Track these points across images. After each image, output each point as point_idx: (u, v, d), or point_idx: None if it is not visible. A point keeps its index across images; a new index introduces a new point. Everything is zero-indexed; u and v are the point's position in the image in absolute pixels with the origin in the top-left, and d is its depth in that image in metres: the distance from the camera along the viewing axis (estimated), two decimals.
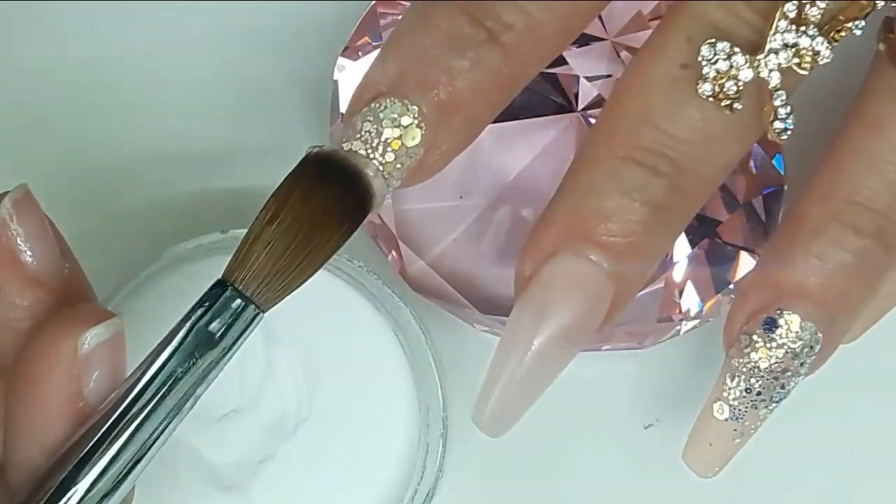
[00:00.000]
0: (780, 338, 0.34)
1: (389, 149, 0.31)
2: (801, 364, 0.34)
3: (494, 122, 0.35)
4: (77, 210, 0.40)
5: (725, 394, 0.35)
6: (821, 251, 0.34)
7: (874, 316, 0.37)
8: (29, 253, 0.31)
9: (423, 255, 0.39)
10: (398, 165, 0.32)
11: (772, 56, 0.31)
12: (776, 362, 0.34)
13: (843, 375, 0.37)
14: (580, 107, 0.39)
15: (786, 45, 0.31)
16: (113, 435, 0.30)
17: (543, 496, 0.40)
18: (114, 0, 0.41)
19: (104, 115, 0.41)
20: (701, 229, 0.39)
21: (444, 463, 0.39)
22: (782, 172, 0.39)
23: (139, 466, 0.30)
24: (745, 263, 0.39)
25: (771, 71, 0.31)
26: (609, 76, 0.39)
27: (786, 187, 0.39)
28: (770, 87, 0.31)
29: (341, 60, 0.39)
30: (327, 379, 0.38)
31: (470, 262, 0.39)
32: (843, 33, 0.31)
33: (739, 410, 0.35)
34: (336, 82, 0.39)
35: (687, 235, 0.39)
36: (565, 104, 0.39)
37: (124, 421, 0.30)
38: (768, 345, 0.34)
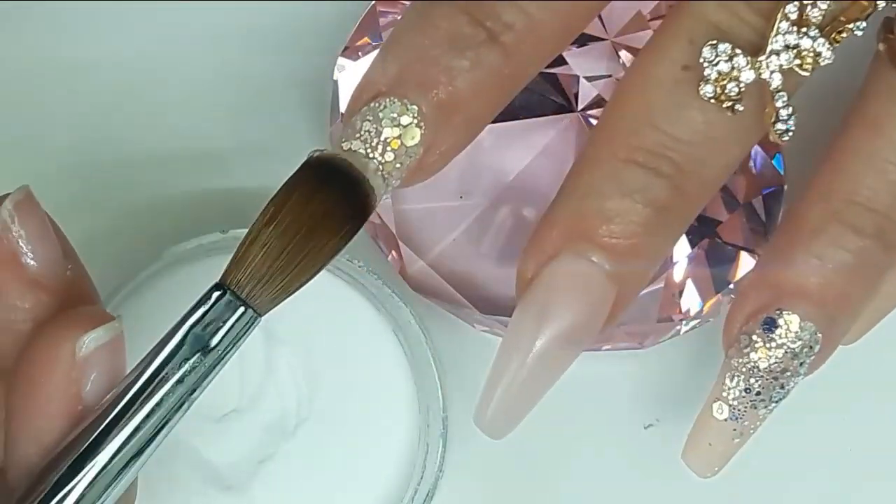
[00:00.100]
0: (780, 338, 0.34)
1: (389, 148, 0.31)
2: (801, 364, 0.34)
3: (494, 121, 0.35)
4: (77, 210, 0.40)
5: (725, 394, 0.35)
6: (821, 251, 0.34)
7: (875, 317, 0.37)
8: (30, 255, 0.31)
9: (423, 255, 0.39)
10: (398, 165, 0.32)
11: (773, 57, 0.31)
12: (776, 362, 0.34)
13: (843, 375, 0.37)
14: (580, 107, 0.39)
15: (787, 47, 0.31)
16: (109, 436, 0.30)
17: (543, 496, 0.40)
18: (114, 0, 0.41)
19: (104, 115, 0.41)
20: (701, 229, 0.39)
21: (444, 463, 0.39)
22: (782, 172, 0.39)
23: (134, 468, 0.30)
24: (745, 263, 0.39)
25: (772, 72, 0.31)
26: (609, 76, 0.39)
27: (786, 187, 0.39)
28: (771, 88, 0.31)
29: (341, 60, 0.39)
30: (327, 379, 0.38)
31: (470, 262, 0.39)
32: (844, 34, 0.31)
33: (739, 410, 0.35)
34: (336, 82, 0.39)
35: (687, 235, 0.39)
36: (565, 104, 0.39)
37: (120, 423, 0.30)
38: (768, 345, 0.34)
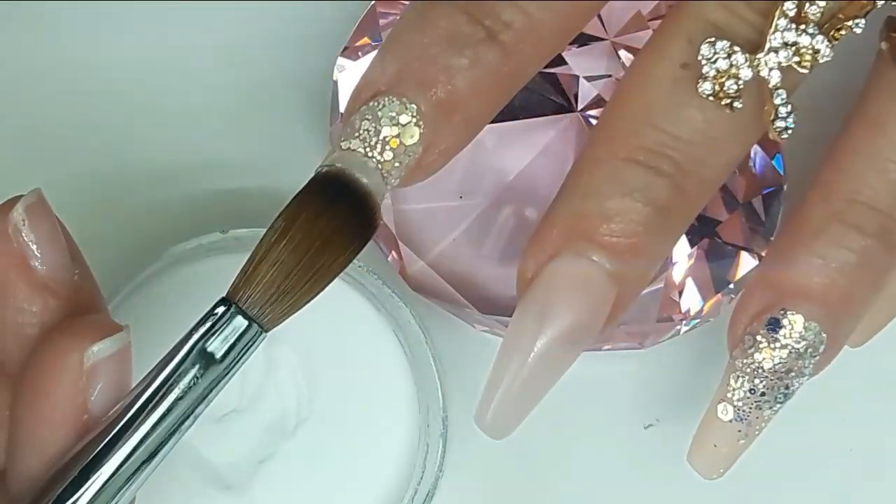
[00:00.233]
0: (784, 338, 0.34)
1: (388, 147, 0.31)
2: (805, 365, 0.34)
3: (494, 121, 0.35)
4: (77, 211, 0.40)
5: (729, 395, 0.35)
6: (823, 251, 0.34)
7: (881, 319, 0.37)
8: (40, 258, 0.31)
9: (423, 255, 0.39)
10: (397, 164, 0.32)
11: (772, 54, 0.31)
12: (780, 363, 0.34)
13: (844, 376, 0.37)
14: (580, 107, 0.39)
15: (786, 44, 0.31)
16: (113, 450, 0.29)
17: (543, 496, 0.40)
18: (115, 0, 0.41)
19: (104, 117, 0.41)
20: (701, 229, 0.39)
21: (444, 463, 0.39)
22: (782, 172, 0.39)
23: (137, 481, 0.30)
24: (745, 263, 0.39)
25: (771, 69, 0.31)
26: (609, 76, 0.39)
27: (785, 187, 0.39)
28: (770, 85, 0.31)
29: (341, 60, 0.39)
30: (327, 379, 0.38)
31: (470, 262, 0.39)
32: (843, 32, 0.31)
33: (744, 411, 0.35)
34: (336, 82, 0.39)
35: (687, 235, 0.39)
36: (565, 104, 0.39)
37: (124, 437, 0.30)
38: (772, 345, 0.34)
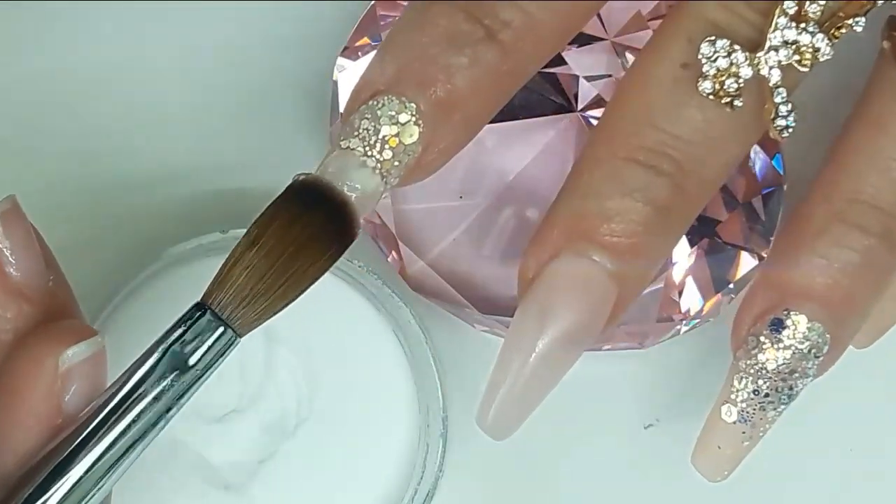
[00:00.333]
0: (788, 338, 0.34)
1: (387, 146, 0.31)
2: (810, 365, 0.34)
3: (494, 121, 0.35)
4: (77, 211, 0.40)
5: (733, 396, 0.35)
6: (825, 251, 0.34)
7: (886, 320, 0.37)
8: (14, 265, 0.31)
9: (423, 255, 0.39)
10: (396, 163, 0.32)
11: (772, 53, 0.31)
12: (784, 363, 0.34)
13: (844, 376, 0.37)
14: (580, 107, 0.39)
15: (786, 42, 0.31)
16: (84, 449, 0.30)
17: (543, 496, 0.40)
18: (116, 0, 0.41)
19: (104, 117, 0.41)
20: (701, 229, 0.39)
21: (444, 463, 0.39)
22: (782, 172, 0.39)
23: (110, 481, 0.30)
24: (745, 263, 0.39)
25: (771, 68, 0.31)
26: (609, 76, 0.39)
27: (785, 187, 0.39)
28: (770, 84, 0.31)
29: (341, 60, 0.39)
30: (327, 379, 0.38)
31: (470, 262, 0.39)
32: (843, 30, 0.31)
33: (748, 413, 0.35)
34: (336, 82, 0.39)
35: (687, 235, 0.39)
36: (565, 104, 0.39)
37: (96, 437, 0.30)
38: (776, 346, 0.34)
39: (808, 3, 0.31)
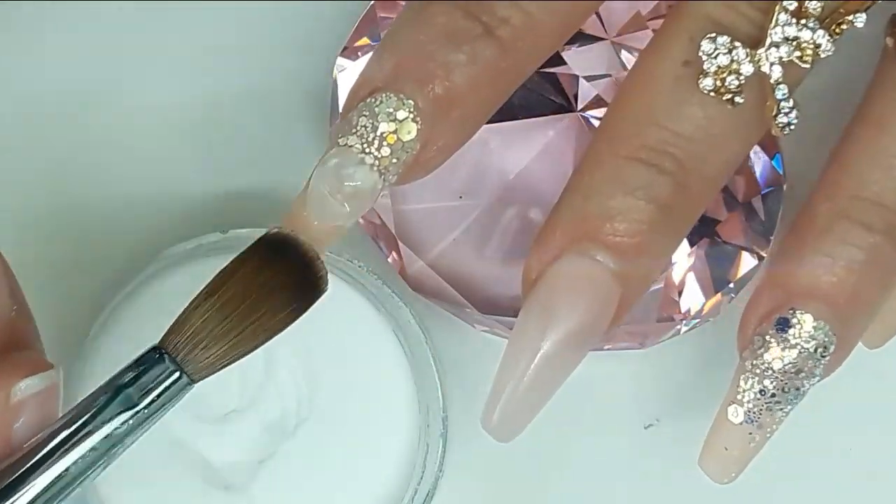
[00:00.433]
0: (794, 338, 0.34)
1: (385, 143, 0.31)
2: (816, 365, 0.34)
3: (494, 121, 0.35)
4: (77, 211, 0.40)
5: (740, 396, 0.34)
6: (830, 249, 0.34)
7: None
8: None
9: (423, 256, 0.39)
10: (394, 160, 0.31)
11: (773, 50, 0.31)
12: (790, 363, 0.34)
13: (844, 376, 0.37)
14: (579, 107, 0.39)
15: (787, 39, 0.31)
16: (25, 482, 0.30)
17: (543, 496, 0.40)
18: (116, 0, 0.41)
19: (104, 117, 0.41)
20: (701, 229, 0.39)
21: (444, 463, 0.39)
22: (782, 172, 0.39)
23: None
24: (746, 263, 0.39)
25: (772, 65, 0.31)
26: (608, 76, 0.39)
27: (785, 187, 0.39)
28: (772, 80, 0.31)
29: (341, 60, 0.39)
30: (327, 379, 0.38)
31: (470, 263, 0.39)
32: (844, 26, 0.31)
33: (754, 413, 0.34)
34: (336, 82, 0.39)
35: (687, 235, 0.39)
36: (565, 104, 0.39)
37: (38, 470, 0.30)
38: (781, 345, 0.34)
39: None
